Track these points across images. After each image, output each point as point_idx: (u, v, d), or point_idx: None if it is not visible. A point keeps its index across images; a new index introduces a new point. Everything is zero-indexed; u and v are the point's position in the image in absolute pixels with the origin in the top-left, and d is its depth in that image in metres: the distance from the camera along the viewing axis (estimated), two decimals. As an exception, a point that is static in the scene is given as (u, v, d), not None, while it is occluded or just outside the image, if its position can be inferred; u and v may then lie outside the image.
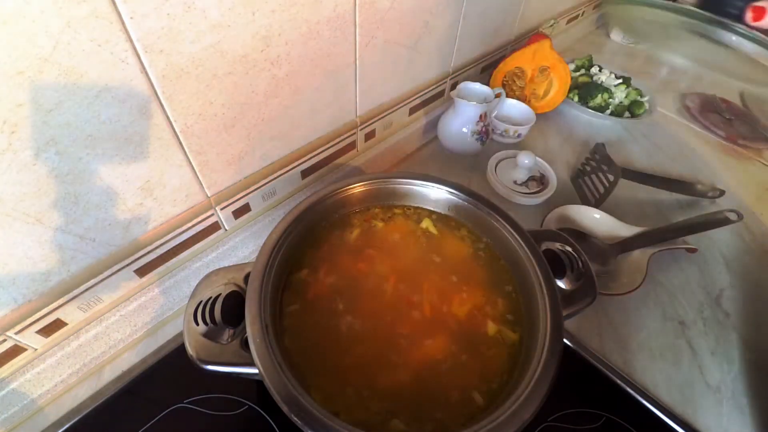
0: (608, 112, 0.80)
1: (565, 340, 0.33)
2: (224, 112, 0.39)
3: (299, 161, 0.52)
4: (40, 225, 0.32)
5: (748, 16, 0.41)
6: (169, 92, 0.34)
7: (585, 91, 0.81)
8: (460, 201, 0.43)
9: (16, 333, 0.36)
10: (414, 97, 0.65)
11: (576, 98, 0.82)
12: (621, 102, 0.82)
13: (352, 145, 0.59)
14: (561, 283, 0.37)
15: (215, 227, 0.47)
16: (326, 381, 0.33)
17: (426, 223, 0.44)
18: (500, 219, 0.41)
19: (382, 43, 0.51)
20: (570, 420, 0.41)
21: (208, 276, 0.35)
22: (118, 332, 0.43)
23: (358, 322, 0.36)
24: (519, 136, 0.71)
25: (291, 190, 0.54)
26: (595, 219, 0.58)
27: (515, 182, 0.64)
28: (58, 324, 0.39)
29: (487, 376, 0.34)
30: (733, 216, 0.52)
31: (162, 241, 0.42)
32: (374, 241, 0.42)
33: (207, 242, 0.47)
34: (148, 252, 0.42)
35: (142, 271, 0.42)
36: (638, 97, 0.83)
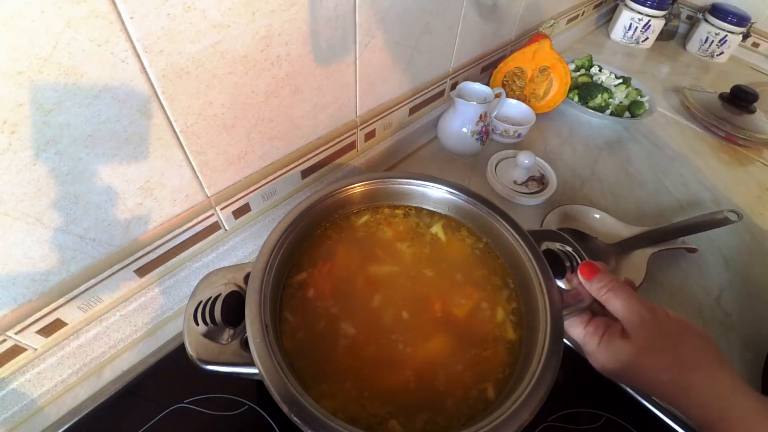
0: (608, 112, 0.81)
1: (565, 340, 0.33)
2: (224, 112, 0.39)
3: (299, 161, 0.52)
4: (40, 225, 0.32)
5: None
6: (169, 92, 0.34)
7: (585, 91, 0.81)
8: (460, 201, 0.43)
9: (16, 333, 0.36)
10: (414, 97, 0.65)
11: (576, 98, 0.82)
12: (621, 102, 0.82)
13: (352, 145, 0.59)
14: (561, 283, 0.37)
15: (215, 227, 0.47)
16: (326, 381, 0.33)
17: (436, 228, 0.44)
18: (500, 219, 0.41)
19: (382, 43, 0.51)
20: (570, 420, 0.41)
21: (208, 276, 0.35)
22: (118, 332, 0.43)
23: (359, 323, 0.36)
24: (519, 136, 0.71)
25: (291, 190, 0.54)
26: (595, 219, 0.58)
27: (515, 182, 0.64)
28: (58, 324, 0.39)
29: (487, 376, 0.34)
30: (733, 216, 0.52)
31: (162, 241, 0.42)
32: (374, 241, 0.42)
33: (207, 242, 0.47)
34: (148, 252, 0.42)
35: (142, 271, 0.42)
36: (638, 97, 0.83)
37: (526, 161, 0.61)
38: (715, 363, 0.31)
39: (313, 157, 0.53)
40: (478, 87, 0.65)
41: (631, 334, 0.32)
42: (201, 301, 0.33)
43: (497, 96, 0.66)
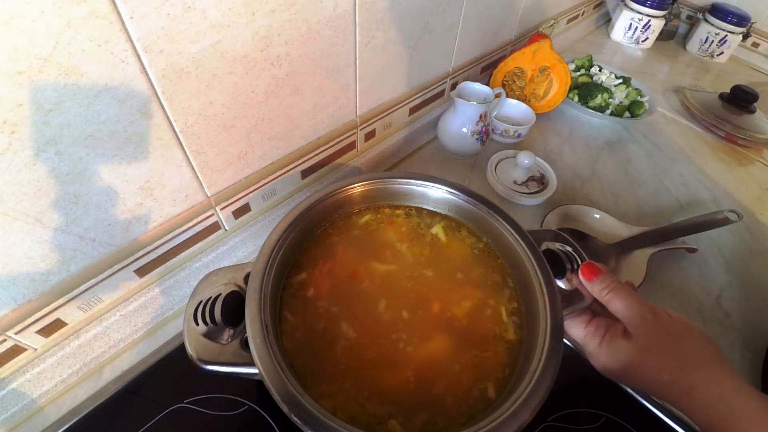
0: (608, 112, 0.81)
1: (565, 340, 0.33)
2: (224, 112, 0.39)
3: (299, 161, 0.52)
4: (40, 225, 0.32)
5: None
6: (169, 92, 0.34)
7: (585, 91, 0.81)
8: (460, 201, 0.43)
9: (16, 333, 0.36)
10: (414, 97, 0.65)
11: (576, 98, 0.82)
12: (621, 102, 0.82)
13: (352, 145, 0.59)
14: (561, 283, 0.37)
15: (215, 227, 0.47)
16: (326, 381, 0.33)
17: (436, 229, 0.44)
18: (500, 219, 0.41)
19: (382, 43, 0.51)
20: (570, 420, 0.41)
21: (208, 276, 0.35)
22: (118, 332, 0.43)
23: (359, 323, 0.36)
24: (519, 136, 0.71)
25: (291, 190, 0.54)
26: (595, 219, 0.58)
27: (515, 182, 0.64)
28: (58, 324, 0.39)
29: (486, 376, 0.34)
30: (733, 216, 0.52)
31: (162, 241, 0.42)
32: (374, 241, 0.42)
33: (207, 242, 0.47)
34: (148, 252, 0.42)
35: (142, 271, 0.42)
36: (638, 97, 0.83)
37: (526, 161, 0.61)
38: (716, 363, 0.31)
39: (313, 157, 0.53)
40: (478, 87, 0.65)
41: (632, 334, 0.32)
42: (201, 301, 0.33)
43: (497, 96, 0.66)
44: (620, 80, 0.86)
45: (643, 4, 1.04)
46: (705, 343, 0.32)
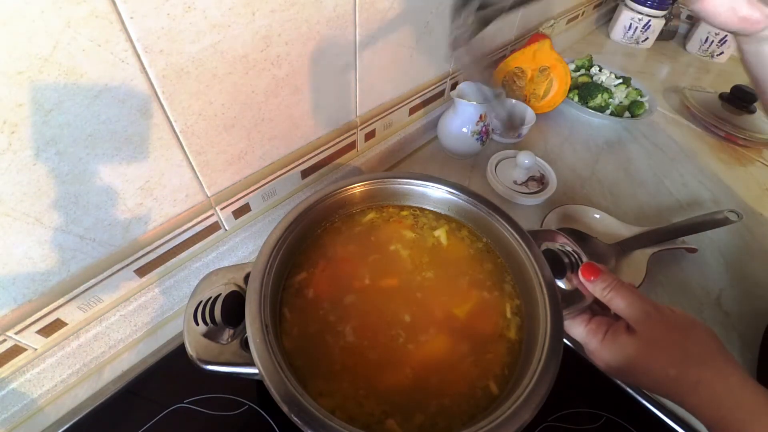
0: (608, 112, 0.81)
1: (565, 340, 0.33)
2: (224, 112, 0.39)
3: (299, 161, 0.52)
4: (40, 225, 0.32)
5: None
6: (169, 92, 0.34)
7: (585, 91, 0.81)
8: (460, 201, 0.43)
9: (16, 333, 0.36)
10: (414, 97, 0.65)
11: (576, 98, 0.82)
12: (621, 102, 0.82)
13: (352, 145, 0.59)
14: (561, 283, 0.37)
15: (215, 227, 0.47)
16: (326, 381, 0.33)
17: (438, 231, 0.44)
18: (500, 219, 0.41)
19: (382, 43, 0.51)
20: (570, 420, 0.41)
21: (208, 276, 0.35)
22: (118, 332, 0.43)
23: (359, 323, 0.36)
24: (519, 136, 0.71)
25: (291, 190, 0.54)
26: (595, 219, 0.58)
27: (515, 182, 0.64)
28: (58, 324, 0.39)
29: (486, 376, 0.34)
30: (733, 216, 0.52)
31: (162, 241, 0.42)
32: (375, 242, 0.42)
33: (207, 242, 0.47)
34: (148, 252, 0.42)
35: (142, 271, 0.42)
36: (638, 97, 0.83)
37: (526, 161, 0.61)
38: (721, 357, 0.31)
39: (313, 157, 0.53)
40: (478, 87, 0.65)
41: (636, 330, 0.32)
42: (201, 301, 0.33)
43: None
44: (620, 80, 0.86)
45: (644, 4, 1.04)
46: (709, 337, 0.32)
